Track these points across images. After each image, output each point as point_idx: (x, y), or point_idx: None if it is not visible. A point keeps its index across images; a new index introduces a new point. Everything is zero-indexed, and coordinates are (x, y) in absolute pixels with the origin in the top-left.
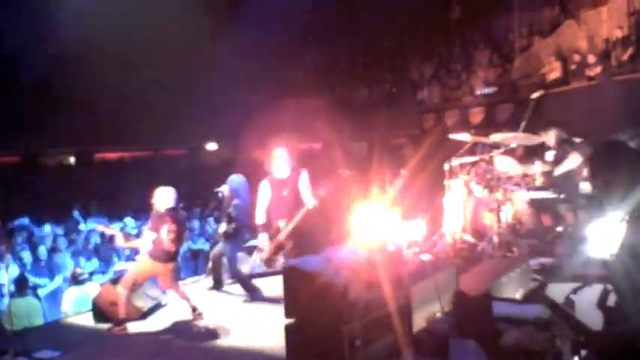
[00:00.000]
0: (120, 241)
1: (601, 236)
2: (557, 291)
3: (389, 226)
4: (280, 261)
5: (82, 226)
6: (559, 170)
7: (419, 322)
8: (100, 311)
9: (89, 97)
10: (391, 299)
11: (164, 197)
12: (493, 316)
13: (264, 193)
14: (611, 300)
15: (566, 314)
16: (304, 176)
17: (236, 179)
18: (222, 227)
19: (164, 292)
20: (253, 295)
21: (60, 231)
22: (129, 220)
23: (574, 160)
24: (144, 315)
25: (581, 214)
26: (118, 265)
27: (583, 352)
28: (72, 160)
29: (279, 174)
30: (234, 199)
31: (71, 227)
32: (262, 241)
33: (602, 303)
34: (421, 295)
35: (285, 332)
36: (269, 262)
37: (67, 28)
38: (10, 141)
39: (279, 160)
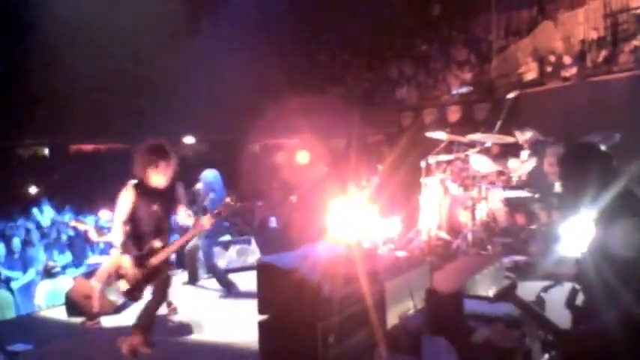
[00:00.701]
0: (93, 236)
1: (573, 235)
2: (530, 289)
3: (365, 223)
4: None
5: (44, 219)
6: (517, 172)
7: (392, 318)
8: (73, 305)
9: (65, 88)
10: (366, 295)
11: None
12: (464, 313)
13: (127, 205)
14: (580, 299)
15: (536, 314)
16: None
17: (210, 174)
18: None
19: None
20: (229, 289)
21: (32, 224)
22: (103, 213)
23: (529, 165)
24: (118, 309)
25: (555, 214)
26: (92, 259)
27: (552, 351)
28: (46, 151)
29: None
30: (209, 194)
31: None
32: (124, 265)
33: (570, 302)
34: (395, 291)
35: (259, 328)
36: (132, 294)
37: (43, 18)
38: None
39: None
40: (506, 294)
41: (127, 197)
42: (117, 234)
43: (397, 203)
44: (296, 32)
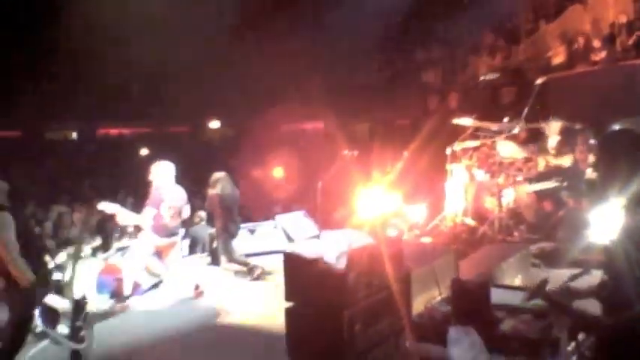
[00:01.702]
0: (121, 219)
1: (602, 222)
2: (557, 277)
3: (390, 209)
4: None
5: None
6: (537, 187)
7: (418, 306)
8: (103, 286)
9: (93, 73)
10: (392, 283)
11: (162, 172)
12: (491, 303)
13: None
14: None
15: (571, 311)
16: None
17: (216, 174)
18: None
19: (166, 268)
20: (254, 273)
21: (64, 208)
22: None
23: (567, 161)
24: (146, 291)
25: (583, 200)
26: (121, 242)
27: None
28: (75, 135)
29: None
30: (209, 190)
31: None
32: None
33: (601, 291)
34: (421, 279)
35: (286, 315)
36: None
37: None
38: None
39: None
40: (538, 292)
41: None
42: (146, 218)
43: (422, 189)
44: (320, 15)
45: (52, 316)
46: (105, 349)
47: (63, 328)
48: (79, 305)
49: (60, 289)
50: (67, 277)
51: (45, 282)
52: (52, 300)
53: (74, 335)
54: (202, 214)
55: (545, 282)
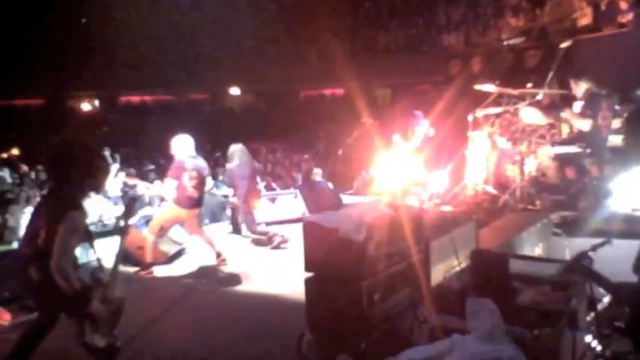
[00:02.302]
0: (142, 190)
1: (626, 190)
2: (578, 246)
3: (411, 177)
4: None
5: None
6: (559, 150)
7: (437, 276)
8: (127, 254)
9: (113, 40)
10: (411, 253)
11: (182, 145)
12: (510, 274)
13: None
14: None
15: (609, 284)
16: None
17: (232, 147)
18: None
19: (189, 236)
20: (275, 241)
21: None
22: (151, 167)
23: (586, 125)
24: (169, 259)
25: (607, 168)
26: (144, 211)
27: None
28: (96, 103)
29: None
30: (228, 164)
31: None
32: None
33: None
34: (440, 249)
35: (305, 286)
36: None
37: None
38: (34, 83)
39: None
40: (576, 265)
41: None
42: (168, 189)
43: (444, 156)
44: None
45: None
46: (128, 316)
47: None
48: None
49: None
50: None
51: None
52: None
53: None
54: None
55: (583, 255)
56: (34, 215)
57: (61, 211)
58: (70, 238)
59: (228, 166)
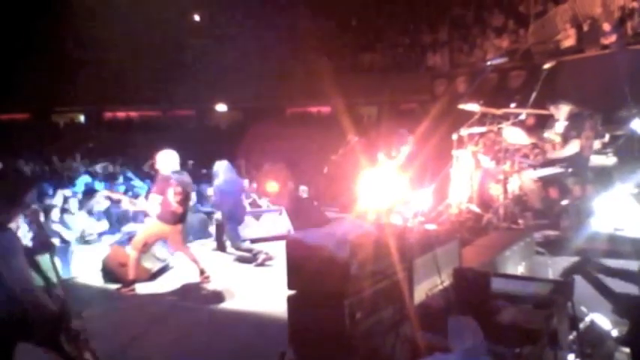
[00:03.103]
0: (126, 205)
1: (608, 210)
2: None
3: (395, 194)
4: None
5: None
6: (559, 154)
7: (420, 295)
8: (109, 271)
9: (98, 56)
10: (395, 271)
11: (167, 160)
12: (492, 292)
13: None
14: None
15: (608, 291)
16: None
17: (218, 163)
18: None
19: (172, 253)
20: (259, 258)
21: (70, 192)
22: (137, 182)
23: (573, 147)
24: (152, 276)
25: (589, 188)
26: (127, 227)
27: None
28: (82, 118)
29: None
30: (214, 181)
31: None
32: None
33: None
34: (424, 267)
35: (287, 303)
36: None
37: None
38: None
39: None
40: (578, 269)
41: None
42: (153, 204)
43: (428, 175)
44: None
45: None
46: (110, 334)
47: None
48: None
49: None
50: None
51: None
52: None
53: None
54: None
55: (587, 259)
56: None
57: None
58: (14, 262)
59: (215, 182)
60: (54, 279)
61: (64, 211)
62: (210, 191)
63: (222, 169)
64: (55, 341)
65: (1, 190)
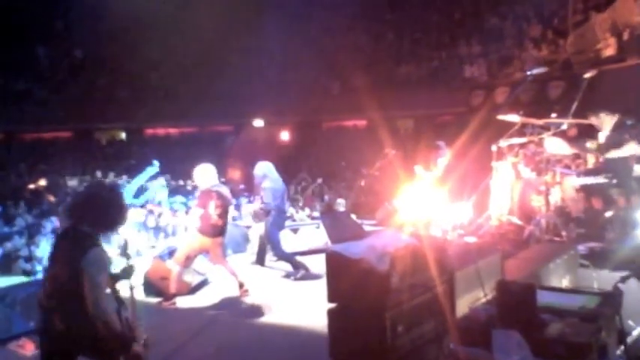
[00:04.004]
0: (168, 219)
1: None
2: (606, 278)
3: (434, 207)
4: None
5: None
6: (613, 154)
7: (462, 308)
8: (150, 285)
9: (140, 74)
10: (435, 284)
11: (205, 175)
12: (537, 305)
13: None
14: None
15: None
16: None
17: (262, 165)
18: (250, 207)
19: (213, 267)
20: (299, 272)
21: None
22: (178, 197)
23: (631, 149)
24: (192, 290)
25: (634, 199)
26: (169, 241)
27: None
28: (123, 135)
29: None
30: (261, 183)
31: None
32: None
33: None
34: (465, 280)
35: (328, 317)
36: None
37: (115, 4)
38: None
39: None
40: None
41: None
42: (193, 218)
43: (467, 187)
44: (363, 11)
45: None
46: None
47: None
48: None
49: None
50: None
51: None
52: None
53: None
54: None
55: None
56: (51, 262)
57: (80, 251)
58: (99, 279)
59: (263, 184)
60: (126, 304)
61: None
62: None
63: (267, 169)
64: None
65: (95, 207)
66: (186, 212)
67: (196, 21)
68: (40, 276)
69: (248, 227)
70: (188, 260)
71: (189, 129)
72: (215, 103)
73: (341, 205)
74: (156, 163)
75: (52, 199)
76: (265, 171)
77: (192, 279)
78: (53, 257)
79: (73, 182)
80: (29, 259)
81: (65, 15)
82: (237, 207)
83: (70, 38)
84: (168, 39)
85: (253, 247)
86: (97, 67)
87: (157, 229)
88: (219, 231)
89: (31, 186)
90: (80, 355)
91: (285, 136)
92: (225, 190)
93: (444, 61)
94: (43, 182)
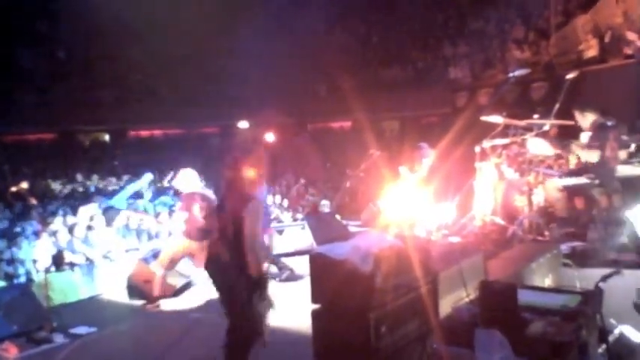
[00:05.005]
0: (149, 224)
1: (636, 220)
2: (589, 277)
3: (418, 207)
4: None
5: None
6: (567, 182)
7: (445, 308)
8: (134, 288)
9: (123, 75)
10: (419, 285)
11: (188, 179)
12: (519, 305)
13: None
14: None
15: None
16: None
17: None
18: None
19: (197, 270)
20: (284, 273)
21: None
22: (164, 198)
23: (596, 157)
24: (176, 292)
25: (616, 198)
26: (152, 244)
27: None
28: (107, 137)
29: None
30: None
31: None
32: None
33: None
34: (448, 280)
35: (312, 318)
36: None
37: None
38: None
39: None
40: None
41: None
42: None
43: (451, 188)
44: (347, 13)
45: None
46: (135, 350)
47: None
48: None
49: None
50: None
51: None
52: None
53: None
54: None
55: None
56: (219, 212)
57: (242, 205)
58: (255, 226)
59: None
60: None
61: (88, 228)
62: None
63: None
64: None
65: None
66: (169, 215)
67: (181, 22)
68: (22, 280)
69: None
70: (172, 263)
71: (174, 131)
72: (200, 104)
73: (326, 206)
74: (150, 174)
75: (34, 201)
76: None
77: (177, 281)
78: (220, 212)
79: (55, 185)
80: (11, 261)
81: (49, 16)
82: None
83: (53, 39)
84: (152, 40)
85: None
86: (80, 69)
87: (140, 232)
88: (205, 234)
89: (13, 189)
90: (234, 284)
91: (270, 137)
92: (209, 193)
93: (429, 62)
94: (25, 185)
